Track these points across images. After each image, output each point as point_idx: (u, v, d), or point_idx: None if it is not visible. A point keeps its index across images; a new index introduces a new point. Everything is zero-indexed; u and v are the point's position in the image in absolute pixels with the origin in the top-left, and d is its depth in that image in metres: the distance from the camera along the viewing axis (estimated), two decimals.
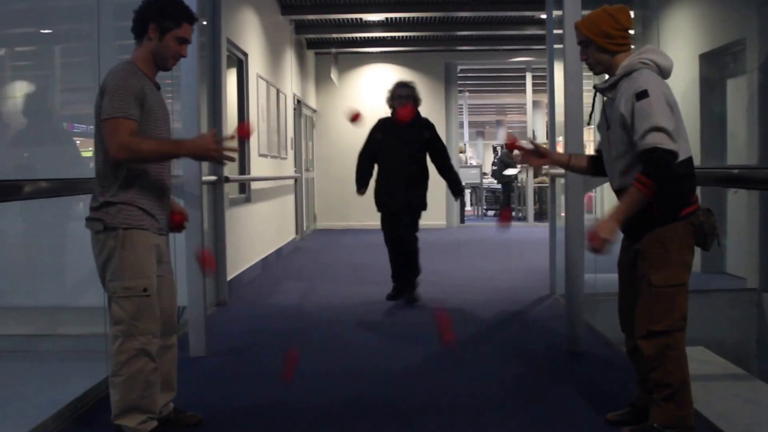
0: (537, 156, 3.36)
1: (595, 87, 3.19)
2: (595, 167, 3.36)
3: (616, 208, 2.98)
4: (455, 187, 6.27)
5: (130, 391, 2.96)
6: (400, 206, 6.07)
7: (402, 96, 6.04)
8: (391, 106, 6.13)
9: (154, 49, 3.02)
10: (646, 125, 2.85)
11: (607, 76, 3.14)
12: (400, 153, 6.03)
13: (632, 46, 3.12)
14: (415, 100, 6.10)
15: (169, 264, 3.26)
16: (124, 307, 2.95)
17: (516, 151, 3.39)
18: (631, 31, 3.13)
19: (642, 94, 2.87)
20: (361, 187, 6.19)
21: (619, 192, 3.11)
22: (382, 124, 6.16)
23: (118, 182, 2.96)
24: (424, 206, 6.16)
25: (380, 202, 6.20)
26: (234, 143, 3.02)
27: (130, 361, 2.94)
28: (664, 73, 3.01)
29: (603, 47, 3.03)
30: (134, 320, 2.95)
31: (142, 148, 2.90)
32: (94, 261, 3.04)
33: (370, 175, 6.23)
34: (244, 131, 3.61)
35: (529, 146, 3.37)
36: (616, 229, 2.96)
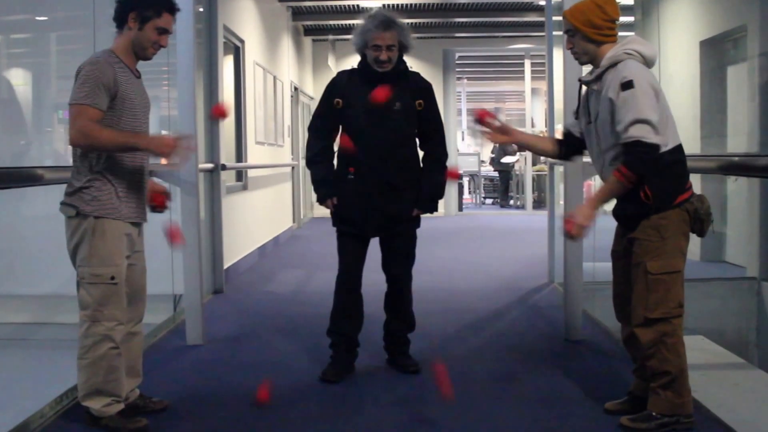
0: (502, 133, 3.32)
1: (580, 80, 3.19)
2: (565, 150, 3.36)
3: (593, 194, 3.01)
4: (434, 193, 3.84)
5: (94, 374, 3.05)
6: (384, 223, 3.76)
7: (379, 45, 3.62)
8: (361, 54, 3.75)
9: (134, 39, 3.07)
10: (630, 117, 2.86)
11: (590, 67, 3.13)
12: (379, 130, 3.64)
13: (633, 33, 3.10)
14: (403, 48, 3.71)
15: (143, 252, 3.30)
16: (91, 293, 3.03)
17: (482, 126, 3.32)
18: (621, 20, 3.12)
19: (627, 85, 2.88)
20: (328, 192, 3.74)
21: None
22: (345, 83, 3.77)
23: (92, 169, 3.02)
24: (418, 220, 3.90)
25: (346, 217, 3.77)
26: (189, 145, 3.08)
27: (95, 346, 3.03)
28: (648, 62, 3.02)
29: (589, 37, 3.02)
30: (100, 306, 3.03)
31: (99, 137, 2.93)
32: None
33: (333, 168, 3.82)
34: (219, 111, 3.67)
35: (496, 123, 3.32)
36: (592, 215, 2.98)
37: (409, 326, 4.02)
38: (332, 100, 3.76)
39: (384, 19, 3.63)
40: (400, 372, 3.95)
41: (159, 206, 3.34)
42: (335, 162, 3.83)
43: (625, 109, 2.87)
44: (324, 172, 3.76)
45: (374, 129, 3.65)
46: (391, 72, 3.68)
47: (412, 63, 4.00)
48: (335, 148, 3.83)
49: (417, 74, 3.84)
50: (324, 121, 3.81)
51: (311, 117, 3.94)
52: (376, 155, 3.65)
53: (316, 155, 3.78)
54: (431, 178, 3.82)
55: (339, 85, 3.79)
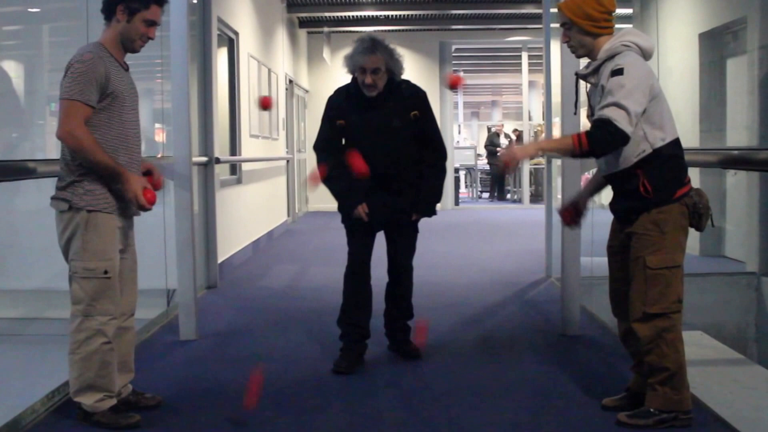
0: (577, 211, 3.35)
1: (576, 74, 3.15)
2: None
3: (542, 140, 3.01)
4: (432, 198, 3.99)
5: (86, 369, 3.04)
6: (390, 217, 3.92)
7: (365, 69, 3.72)
8: (352, 74, 3.86)
9: (122, 31, 3.06)
10: (611, 99, 2.84)
11: (587, 60, 3.10)
12: (381, 148, 3.79)
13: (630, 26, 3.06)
14: (391, 74, 3.80)
15: (134, 247, 3.29)
16: (84, 287, 3.03)
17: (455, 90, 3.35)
18: (619, 12, 3.08)
19: (617, 72, 2.87)
20: (355, 201, 3.81)
21: (608, 177, 3.09)
22: (343, 103, 3.88)
23: (85, 163, 2.98)
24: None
25: (355, 214, 3.85)
26: (150, 204, 3.08)
27: (88, 341, 3.03)
28: (645, 54, 2.99)
29: (585, 30, 2.99)
30: (93, 301, 3.02)
31: (90, 150, 2.92)
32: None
33: (351, 178, 3.72)
34: (266, 102, 3.80)
35: (569, 207, 3.36)
36: (532, 154, 3.10)
37: (409, 315, 4.15)
38: (334, 120, 3.88)
39: (369, 44, 3.73)
40: (400, 359, 4.00)
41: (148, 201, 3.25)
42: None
43: (609, 92, 2.86)
44: (343, 184, 3.82)
45: (376, 147, 3.78)
46: (382, 94, 3.77)
47: (409, 55, 4.01)
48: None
49: (407, 83, 3.88)
50: (329, 140, 3.91)
51: (316, 136, 4.00)
52: (380, 169, 3.76)
53: (332, 170, 3.82)
54: (429, 184, 3.95)
55: (338, 106, 3.89)
